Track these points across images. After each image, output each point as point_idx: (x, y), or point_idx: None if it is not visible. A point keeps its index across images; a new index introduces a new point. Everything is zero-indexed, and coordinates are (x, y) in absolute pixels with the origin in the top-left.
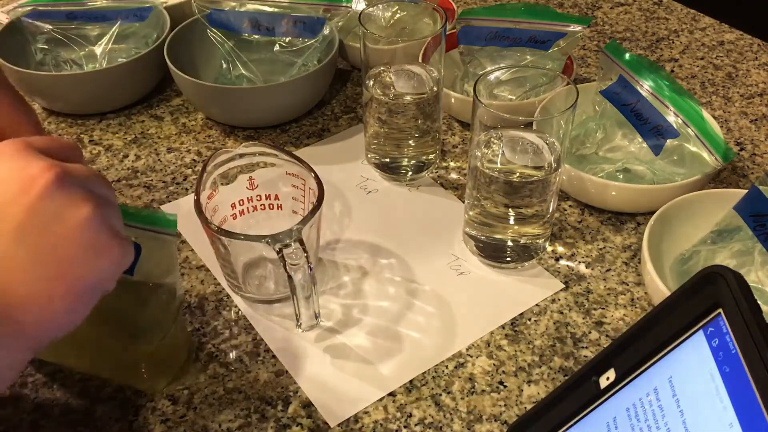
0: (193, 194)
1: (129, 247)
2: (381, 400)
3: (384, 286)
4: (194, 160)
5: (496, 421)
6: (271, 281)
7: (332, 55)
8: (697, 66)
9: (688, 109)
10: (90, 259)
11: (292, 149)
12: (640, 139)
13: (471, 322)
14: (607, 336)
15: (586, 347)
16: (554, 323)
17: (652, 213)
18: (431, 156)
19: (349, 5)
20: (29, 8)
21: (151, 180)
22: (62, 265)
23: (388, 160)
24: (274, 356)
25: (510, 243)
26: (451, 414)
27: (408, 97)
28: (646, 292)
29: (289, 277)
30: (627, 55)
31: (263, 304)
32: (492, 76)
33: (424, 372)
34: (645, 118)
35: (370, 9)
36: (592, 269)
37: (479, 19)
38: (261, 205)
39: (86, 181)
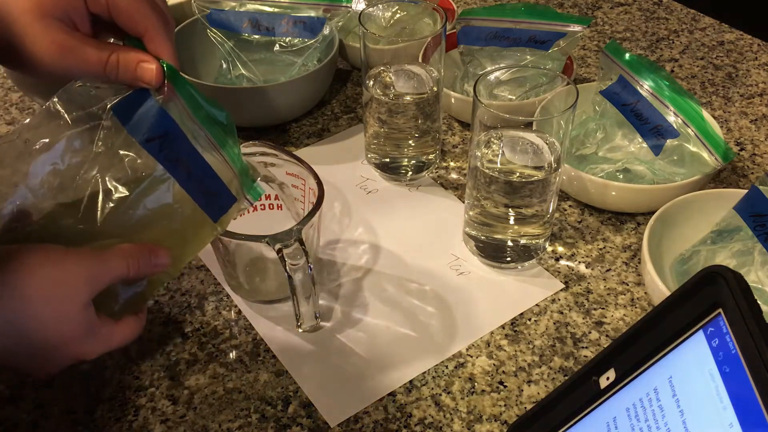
0: None
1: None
2: (381, 400)
3: (384, 286)
4: None
5: (496, 421)
6: (271, 281)
7: (332, 55)
8: (697, 66)
9: (688, 109)
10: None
11: (292, 149)
12: (640, 139)
13: (471, 322)
14: (607, 336)
15: (586, 347)
16: (554, 323)
17: (652, 213)
18: (431, 156)
19: (349, 5)
20: None
21: None
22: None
23: (388, 160)
24: (274, 356)
25: (510, 243)
26: (451, 414)
27: (408, 97)
28: (646, 292)
29: (289, 277)
30: (627, 55)
31: (263, 304)
32: (492, 76)
33: (424, 372)
34: (645, 118)
35: (370, 9)
36: (592, 269)
37: (479, 19)
38: (261, 205)
39: None
